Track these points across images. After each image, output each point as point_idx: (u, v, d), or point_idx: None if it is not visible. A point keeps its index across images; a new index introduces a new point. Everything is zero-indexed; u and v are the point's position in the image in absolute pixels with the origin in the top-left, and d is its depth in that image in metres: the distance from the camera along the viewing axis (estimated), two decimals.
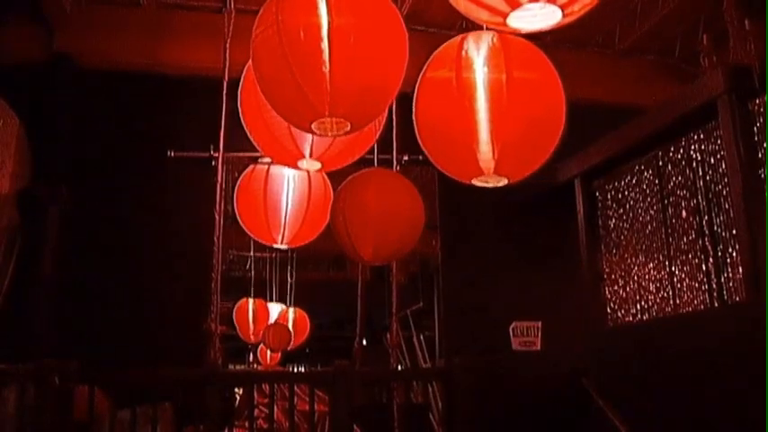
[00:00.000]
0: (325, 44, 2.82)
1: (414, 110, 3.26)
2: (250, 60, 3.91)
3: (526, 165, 3.24)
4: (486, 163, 3.06)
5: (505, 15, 2.73)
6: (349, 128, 3.10)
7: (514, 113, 3.03)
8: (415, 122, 3.28)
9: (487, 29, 3.11)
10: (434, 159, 3.33)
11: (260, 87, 3.25)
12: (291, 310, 9.84)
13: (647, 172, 6.10)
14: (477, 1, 2.73)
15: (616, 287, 6.49)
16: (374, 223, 4.51)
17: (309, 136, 3.84)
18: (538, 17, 2.77)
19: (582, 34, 7.57)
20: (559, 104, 3.17)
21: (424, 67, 3.23)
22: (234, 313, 9.20)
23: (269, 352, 9.80)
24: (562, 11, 2.71)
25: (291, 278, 10.30)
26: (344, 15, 2.87)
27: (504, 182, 3.21)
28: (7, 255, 5.86)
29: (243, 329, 9.22)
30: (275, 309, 9.83)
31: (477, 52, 3.09)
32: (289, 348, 9.52)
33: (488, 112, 3.01)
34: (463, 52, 3.10)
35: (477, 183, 3.22)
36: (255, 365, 10.60)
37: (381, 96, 3.12)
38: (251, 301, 9.43)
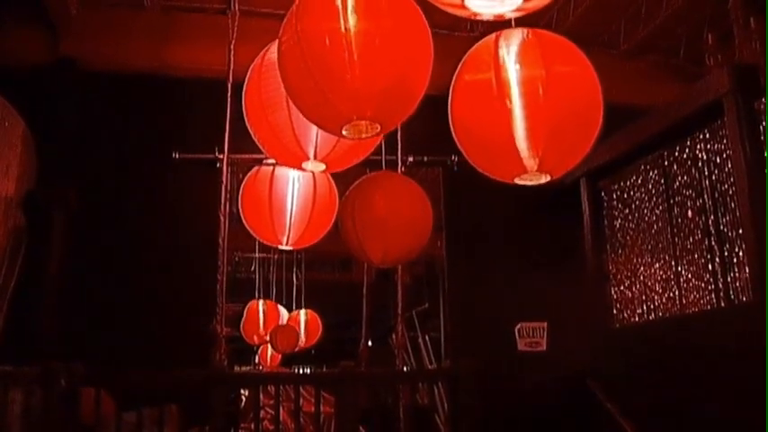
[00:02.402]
0: (345, 48, 2.79)
1: (450, 113, 3.22)
2: (254, 62, 3.93)
3: (568, 159, 3.26)
4: (529, 160, 3.05)
5: None
6: (380, 129, 3.08)
7: (555, 108, 3.01)
8: (451, 126, 3.24)
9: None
10: (474, 161, 3.29)
11: (290, 98, 3.24)
12: (303, 311, 9.78)
13: (653, 172, 6.09)
14: None
15: (622, 287, 6.47)
16: (384, 226, 4.52)
17: (313, 137, 3.83)
18: (498, 1, 2.74)
19: (586, 34, 7.54)
20: (597, 95, 3.16)
21: (458, 70, 3.19)
22: (244, 314, 9.17)
23: (269, 353, 9.77)
24: None
25: (299, 280, 10.29)
26: (364, 18, 2.84)
27: (546, 178, 3.21)
28: (13, 257, 5.87)
29: (252, 331, 9.19)
30: (285, 311, 9.79)
31: (511, 50, 3.05)
32: (296, 350, 9.49)
33: (529, 109, 2.98)
34: (500, 51, 3.06)
35: (519, 181, 3.20)
36: (260, 367, 10.59)
37: (408, 96, 3.08)
38: (261, 302, 9.41)
